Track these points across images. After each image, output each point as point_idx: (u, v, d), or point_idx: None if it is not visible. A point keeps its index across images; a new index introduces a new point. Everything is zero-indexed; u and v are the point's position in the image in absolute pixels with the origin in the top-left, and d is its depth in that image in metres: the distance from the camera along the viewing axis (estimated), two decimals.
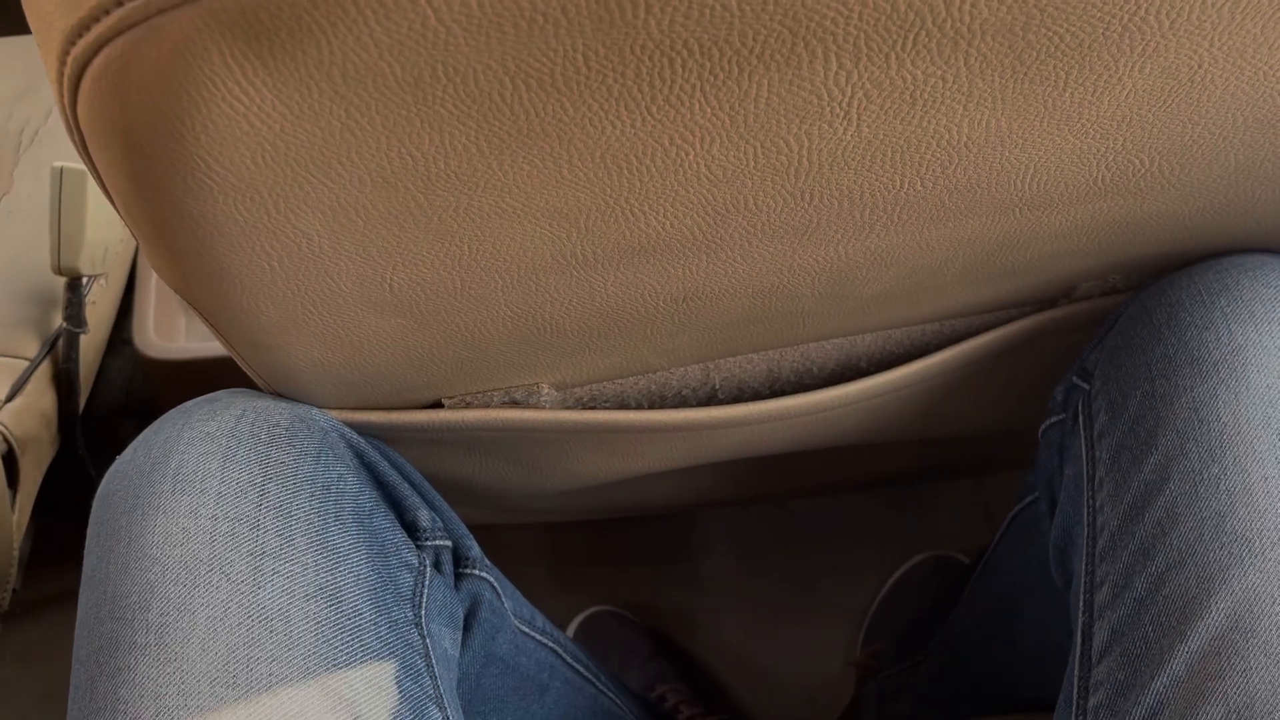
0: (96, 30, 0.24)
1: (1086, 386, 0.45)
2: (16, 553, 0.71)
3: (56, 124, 0.82)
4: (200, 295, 0.35)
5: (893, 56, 0.26)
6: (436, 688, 0.40)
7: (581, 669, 0.57)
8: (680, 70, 0.25)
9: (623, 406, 0.50)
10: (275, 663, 0.35)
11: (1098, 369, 0.44)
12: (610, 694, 0.60)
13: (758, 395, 0.51)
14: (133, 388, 1.00)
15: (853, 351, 0.49)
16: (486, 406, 0.46)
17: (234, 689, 0.35)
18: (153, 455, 0.39)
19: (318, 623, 0.37)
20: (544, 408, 0.47)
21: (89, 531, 0.40)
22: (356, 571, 0.39)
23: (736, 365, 0.49)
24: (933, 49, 0.26)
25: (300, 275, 0.32)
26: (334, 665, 0.36)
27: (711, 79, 0.26)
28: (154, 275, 0.82)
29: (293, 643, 0.36)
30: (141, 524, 0.37)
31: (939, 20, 0.25)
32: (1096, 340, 0.46)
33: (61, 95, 0.26)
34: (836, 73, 0.26)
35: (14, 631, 0.89)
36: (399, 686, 0.38)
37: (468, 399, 0.46)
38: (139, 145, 0.26)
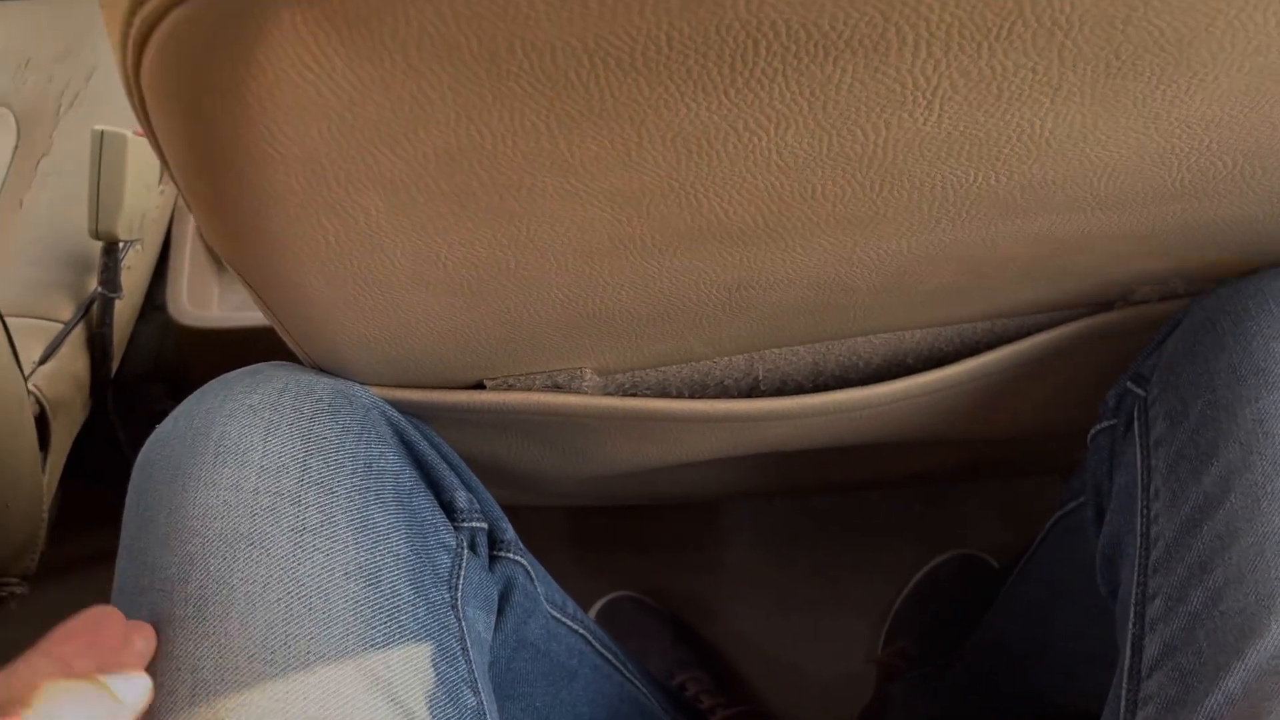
0: None
1: (1142, 393, 0.44)
2: (46, 516, 0.71)
3: (97, 86, 0.82)
4: (251, 266, 0.34)
5: (984, 46, 0.25)
6: (471, 671, 0.40)
7: (610, 656, 0.56)
8: (764, 53, 0.24)
9: (663, 394, 0.49)
10: (313, 640, 0.35)
11: (1155, 375, 0.43)
12: (636, 682, 0.59)
13: (800, 388, 0.50)
14: (161, 353, 1.00)
15: (900, 347, 0.48)
16: (528, 389, 0.45)
17: (271, 665, 0.34)
18: (194, 426, 0.38)
19: (356, 602, 0.36)
20: (586, 393, 0.46)
21: (129, 500, 0.39)
22: (396, 551, 0.39)
23: (781, 357, 0.48)
24: (1027, 40, 0.25)
25: (355, 250, 0.32)
26: (372, 645, 0.36)
27: (795, 63, 0.25)
28: (189, 243, 0.82)
29: (331, 621, 0.36)
30: (182, 495, 0.37)
31: (1038, 10, 0.24)
32: (1153, 345, 0.45)
33: (125, 58, 0.26)
34: (925, 61, 0.25)
35: (36, 594, 0.89)
36: (435, 669, 0.38)
37: (509, 380, 0.45)
38: (203, 112, 0.26)
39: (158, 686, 0.34)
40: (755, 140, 0.28)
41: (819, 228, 0.34)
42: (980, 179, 0.31)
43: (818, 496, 0.92)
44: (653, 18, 0.23)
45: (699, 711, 0.75)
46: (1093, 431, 0.48)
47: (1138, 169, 0.32)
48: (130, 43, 0.25)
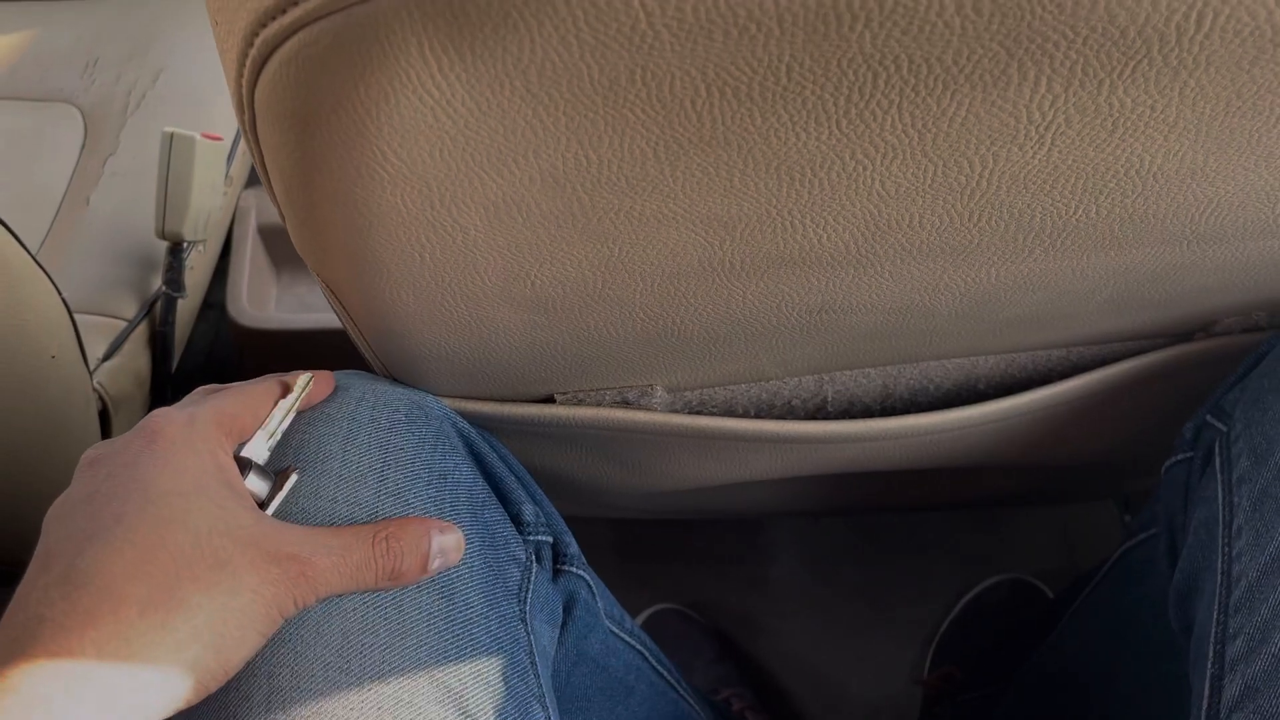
0: (294, 14, 0.23)
1: (1224, 427, 0.43)
2: None
3: (164, 88, 0.83)
4: (341, 277, 0.34)
5: (1106, 83, 0.25)
6: (540, 686, 0.40)
7: (665, 673, 0.56)
8: (882, 86, 0.24)
9: (729, 412, 0.49)
10: (388, 650, 0.35)
11: (1238, 410, 0.42)
12: (690, 700, 0.59)
13: (868, 411, 0.50)
14: (213, 351, 1.01)
15: (973, 373, 0.48)
16: (598, 405, 0.45)
17: (346, 674, 0.34)
18: None
19: (430, 613, 0.37)
20: (655, 409, 0.46)
21: None
22: (469, 563, 0.39)
23: (851, 379, 0.48)
24: (1150, 78, 0.24)
25: (448, 268, 0.32)
26: (445, 658, 0.36)
27: (912, 95, 0.25)
28: (249, 245, 0.83)
29: (405, 631, 0.36)
30: None
31: (1166, 50, 0.23)
32: (1234, 379, 0.44)
33: (240, 74, 0.26)
34: (1043, 96, 0.25)
35: None
36: (506, 683, 0.38)
37: (580, 395, 0.45)
38: (317, 130, 0.26)
39: (234, 691, 0.34)
40: (860, 170, 0.28)
41: (909, 255, 0.33)
42: (1080, 211, 0.31)
43: (865, 515, 0.91)
44: (776, 50, 0.23)
45: None
46: (1167, 464, 0.47)
47: (1240, 205, 0.31)
48: (249, 61, 0.25)
